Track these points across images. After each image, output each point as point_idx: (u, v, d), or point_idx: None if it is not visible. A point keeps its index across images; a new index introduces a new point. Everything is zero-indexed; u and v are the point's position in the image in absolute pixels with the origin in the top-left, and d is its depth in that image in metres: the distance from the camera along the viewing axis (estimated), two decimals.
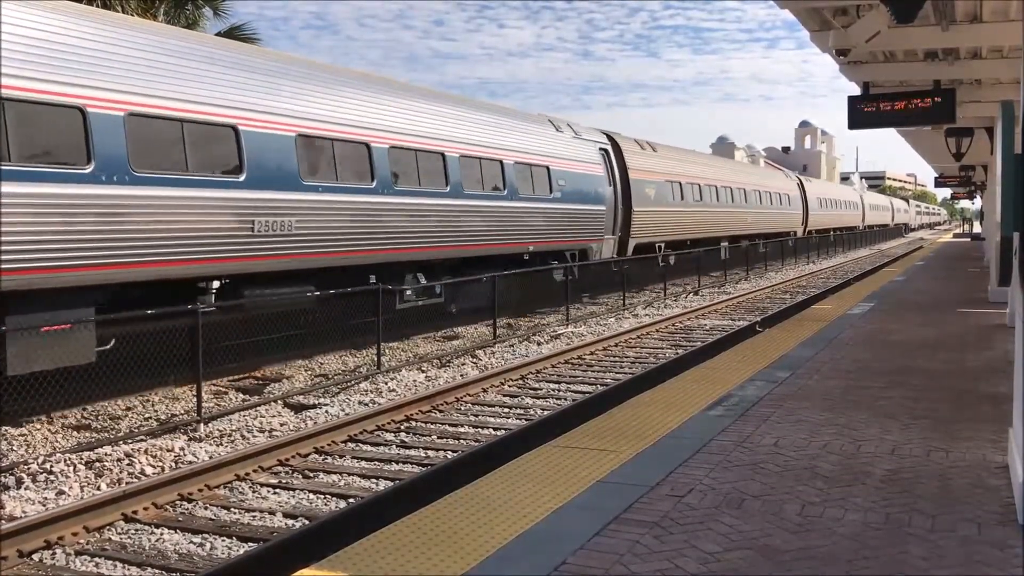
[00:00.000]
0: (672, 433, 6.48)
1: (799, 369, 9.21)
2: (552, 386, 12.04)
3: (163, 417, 10.08)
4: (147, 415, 10.20)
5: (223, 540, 6.44)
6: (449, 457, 8.46)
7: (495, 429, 9.62)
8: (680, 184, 27.45)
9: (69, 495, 7.30)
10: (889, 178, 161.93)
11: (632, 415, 7.11)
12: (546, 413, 10.17)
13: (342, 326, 13.17)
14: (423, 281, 15.35)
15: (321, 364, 13.45)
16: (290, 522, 6.83)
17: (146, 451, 8.35)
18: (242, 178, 11.36)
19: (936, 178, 43.10)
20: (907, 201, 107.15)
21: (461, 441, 9.21)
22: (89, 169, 9.49)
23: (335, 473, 8.09)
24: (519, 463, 5.76)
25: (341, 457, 8.68)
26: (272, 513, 7.00)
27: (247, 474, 7.91)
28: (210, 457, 8.34)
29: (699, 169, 30.31)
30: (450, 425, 9.86)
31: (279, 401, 10.94)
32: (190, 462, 8.18)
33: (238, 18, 59.01)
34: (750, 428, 6.63)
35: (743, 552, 4.20)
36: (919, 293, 18.65)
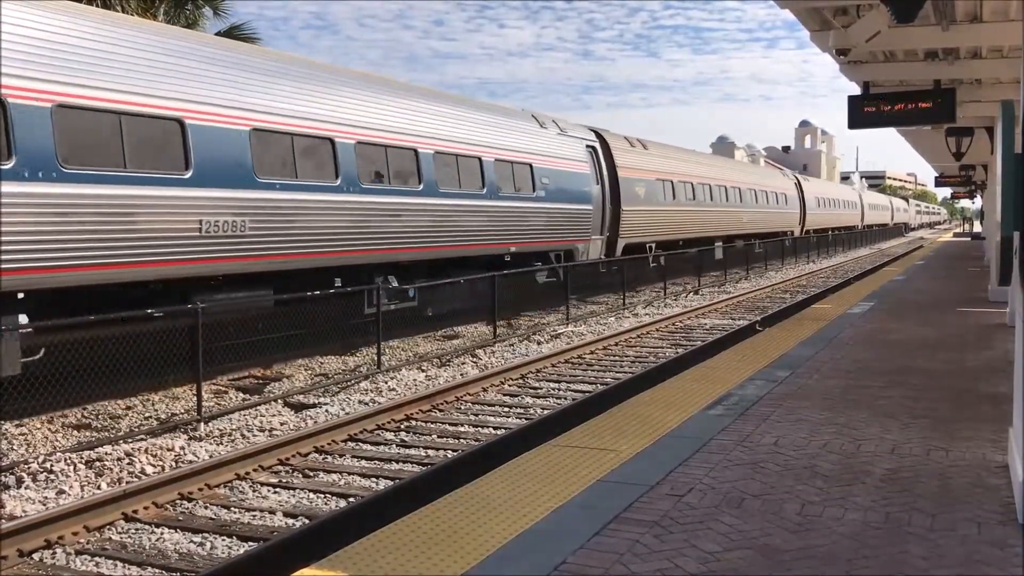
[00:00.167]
0: (672, 432, 6.49)
1: (799, 368, 9.21)
2: (552, 385, 12.04)
3: (163, 416, 10.08)
4: (147, 414, 10.20)
5: (223, 539, 6.44)
6: (449, 456, 8.46)
7: (495, 428, 9.62)
8: (672, 183, 26.91)
9: (69, 494, 7.30)
10: (889, 178, 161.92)
11: (632, 414, 7.11)
12: (546, 412, 10.17)
13: (313, 332, 12.63)
14: (395, 284, 14.75)
15: (321, 363, 13.45)
16: (290, 521, 6.83)
17: (146, 450, 8.36)
18: (188, 175, 10.69)
19: (936, 178, 43.07)
20: (907, 200, 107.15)
21: (461, 440, 9.21)
22: (10, 165, 8.83)
23: (335, 472, 8.09)
24: (519, 462, 5.76)
25: (341, 456, 8.69)
26: (272, 512, 7.00)
27: (247, 473, 7.92)
28: (210, 456, 8.34)
29: (692, 167, 29.74)
30: (450, 424, 9.87)
31: (279, 400, 10.94)
32: (190, 461, 8.18)
33: (238, 18, 59.11)
34: (750, 427, 6.63)
35: (743, 551, 4.21)
36: (919, 292, 18.65)
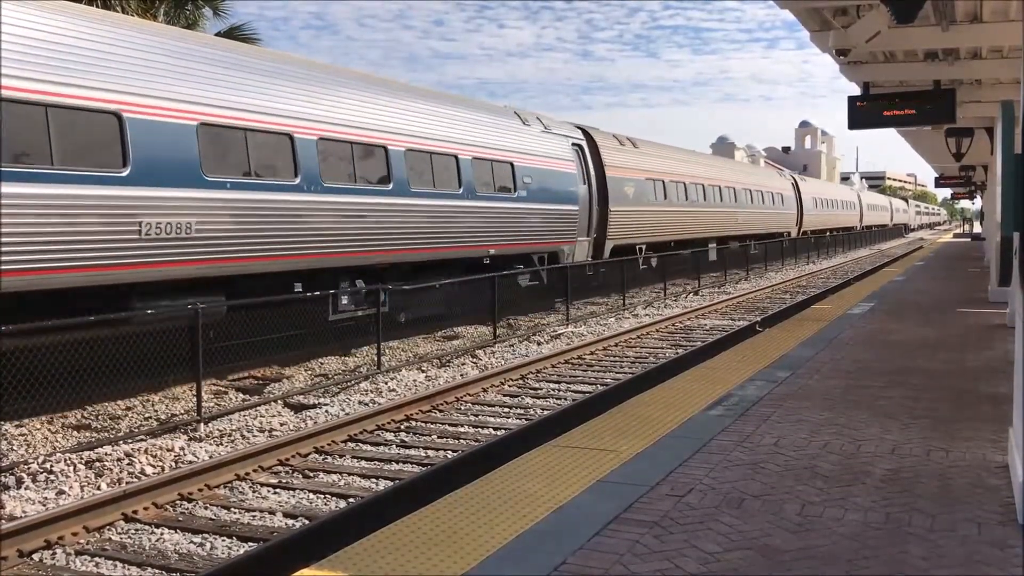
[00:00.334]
0: (672, 433, 6.49)
1: (799, 369, 9.21)
2: (552, 386, 12.04)
3: (163, 417, 10.08)
4: (147, 415, 10.20)
5: (223, 540, 6.44)
6: (449, 457, 8.46)
7: (495, 429, 9.62)
8: (663, 182, 26.25)
9: (69, 495, 7.30)
10: (889, 178, 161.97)
11: (632, 415, 7.11)
12: (546, 413, 10.17)
13: (272, 340, 11.86)
14: (363, 287, 13.87)
15: (321, 364, 13.45)
16: (290, 522, 6.83)
17: (146, 451, 8.36)
18: (125, 172, 9.90)
19: (936, 178, 43.06)
20: (906, 201, 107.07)
21: (461, 441, 9.21)
22: None
23: (335, 473, 8.09)
24: (519, 463, 5.76)
25: (341, 457, 8.69)
26: (272, 513, 7.00)
27: (247, 474, 7.92)
28: (210, 457, 8.34)
29: (685, 167, 29.01)
30: (450, 425, 9.87)
31: (279, 401, 10.94)
32: (190, 462, 8.18)
33: (238, 18, 59.18)
34: (750, 428, 6.63)
35: (743, 552, 4.20)
36: (919, 293, 18.65)
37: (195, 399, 9.91)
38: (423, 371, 12.92)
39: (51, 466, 7.81)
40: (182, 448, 8.58)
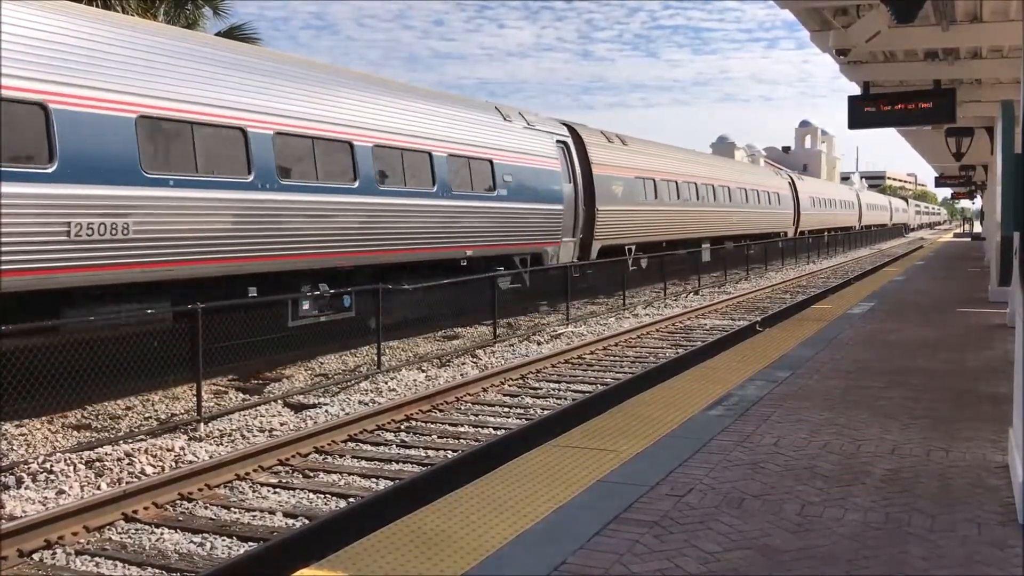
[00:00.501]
0: (672, 432, 6.49)
1: (799, 369, 9.21)
2: (552, 386, 12.04)
3: (163, 417, 10.08)
4: (147, 415, 10.20)
5: (223, 540, 6.44)
6: (449, 457, 8.46)
7: (495, 429, 9.62)
8: (654, 181, 25.36)
9: (69, 495, 7.30)
10: (889, 178, 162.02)
11: (632, 414, 7.11)
12: (546, 413, 10.17)
13: (225, 348, 11.09)
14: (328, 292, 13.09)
15: (321, 364, 13.45)
16: (290, 522, 6.83)
17: (146, 451, 8.36)
18: (52, 169, 9.17)
19: (936, 178, 43.06)
20: (906, 201, 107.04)
21: (461, 441, 9.21)
22: None
23: (335, 473, 8.09)
24: (519, 463, 5.76)
25: (341, 457, 8.69)
26: (272, 513, 7.00)
27: (247, 474, 7.92)
28: (210, 457, 8.34)
29: (677, 165, 28.07)
30: (450, 425, 9.87)
31: (279, 401, 10.94)
32: (190, 462, 8.18)
33: (238, 18, 59.10)
34: (750, 428, 6.63)
35: (743, 552, 4.21)
36: (919, 293, 18.66)
37: (195, 399, 9.91)
38: (423, 371, 12.93)
39: (51, 466, 7.81)
40: (182, 448, 8.58)
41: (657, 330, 17.58)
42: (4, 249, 8.68)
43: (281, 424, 9.76)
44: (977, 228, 69.43)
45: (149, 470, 7.97)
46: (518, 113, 19.39)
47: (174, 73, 10.70)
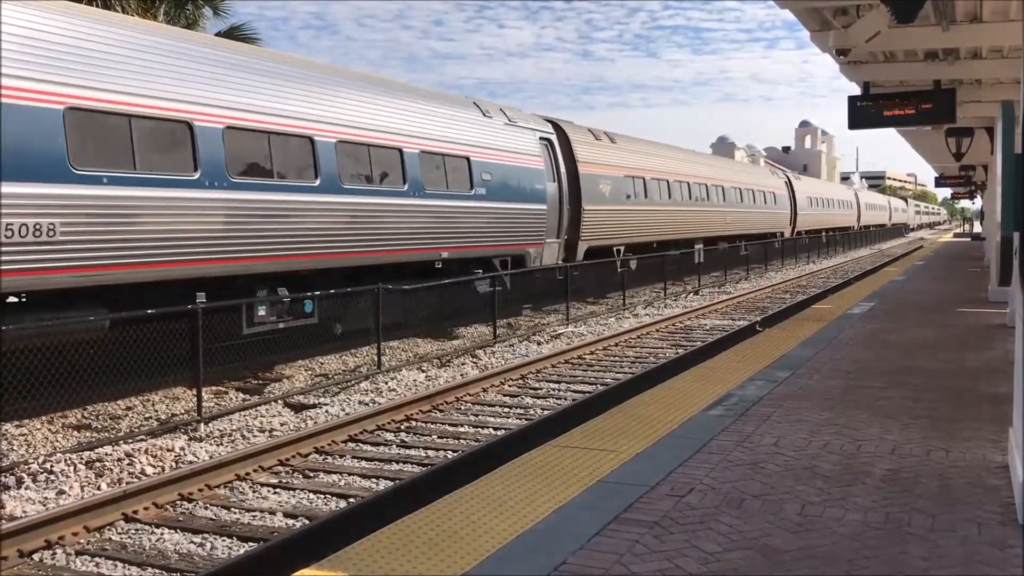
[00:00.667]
0: (672, 433, 6.49)
1: (799, 369, 9.21)
2: (552, 386, 12.05)
3: (163, 417, 10.08)
4: (147, 415, 10.21)
5: (223, 540, 6.44)
6: (449, 457, 8.47)
7: (495, 429, 9.62)
8: (644, 180, 24.60)
9: (69, 495, 7.30)
10: (889, 178, 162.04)
11: (632, 414, 7.11)
12: (546, 413, 10.17)
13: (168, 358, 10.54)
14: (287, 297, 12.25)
15: (321, 364, 13.45)
16: (290, 522, 6.84)
17: (146, 451, 8.36)
18: None
19: (936, 178, 43.06)
20: (905, 200, 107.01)
21: (461, 441, 9.21)
22: None
23: (335, 473, 8.09)
24: (519, 463, 5.76)
25: (341, 457, 8.69)
26: (272, 513, 7.00)
27: (247, 474, 7.92)
28: (210, 457, 8.35)
29: (668, 163, 27.25)
30: (450, 425, 9.87)
31: (279, 401, 10.95)
32: (190, 462, 8.18)
33: (238, 18, 59.16)
34: (750, 428, 6.63)
35: (743, 552, 4.21)
36: (919, 293, 18.66)
37: (195, 399, 9.92)
38: (423, 371, 12.93)
39: (51, 466, 7.81)
40: (182, 448, 8.58)
41: (657, 330, 17.59)
42: None
43: (281, 424, 9.76)
44: (977, 228, 69.43)
45: (149, 470, 7.97)
46: (499, 109, 18.65)
47: (110, 62, 9.93)
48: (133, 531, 6.67)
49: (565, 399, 11.13)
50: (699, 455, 5.88)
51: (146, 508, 7.00)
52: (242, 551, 6.21)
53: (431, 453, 8.77)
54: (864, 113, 13.01)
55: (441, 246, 15.47)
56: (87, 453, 8.24)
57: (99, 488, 7.51)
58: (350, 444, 9.11)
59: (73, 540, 6.41)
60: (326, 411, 10.38)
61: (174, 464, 8.19)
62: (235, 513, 7.04)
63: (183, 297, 10.50)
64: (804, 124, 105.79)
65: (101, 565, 6.06)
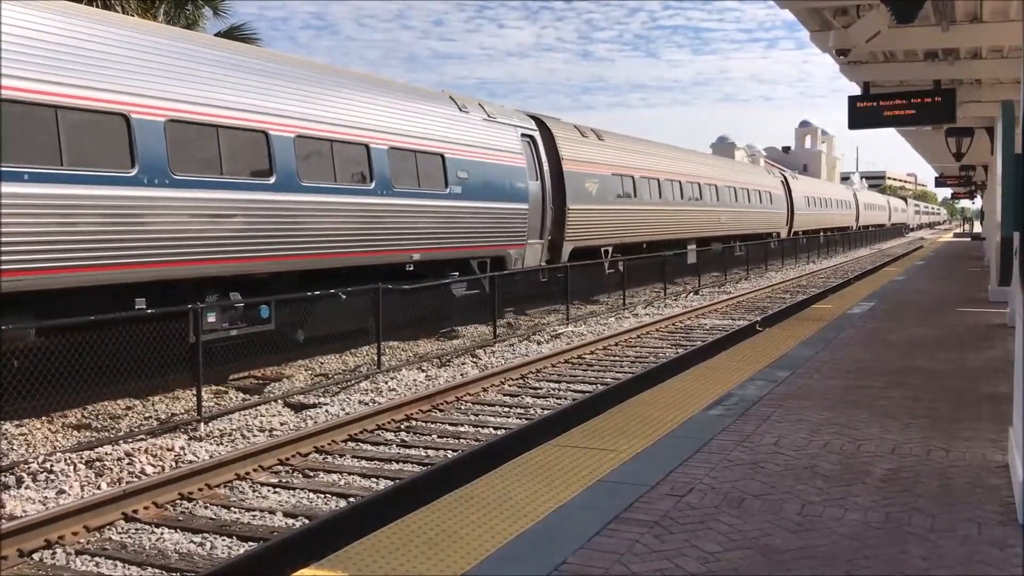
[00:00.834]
0: (672, 432, 6.49)
1: (799, 368, 9.21)
2: (552, 385, 12.05)
3: (163, 416, 10.08)
4: (147, 414, 10.21)
5: (223, 539, 6.44)
6: (449, 456, 8.47)
7: (495, 428, 9.62)
8: (633, 178, 23.79)
9: (69, 494, 7.30)
10: (889, 178, 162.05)
11: (632, 414, 7.11)
12: (546, 412, 10.17)
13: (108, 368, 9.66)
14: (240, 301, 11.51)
15: (321, 363, 13.45)
16: (290, 521, 6.84)
17: (146, 450, 8.36)
18: None
19: (936, 178, 43.08)
20: (905, 200, 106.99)
21: (461, 440, 9.21)
22: None
23: (335, 472, 8.09)
24: (519, 462, 5.76)
25: (341, 456, 8.69)
26: (272, 512, 7.00)
27: (247, 473, 7.92)
28: (210, 456, 8.35)
29: (659, 162, 26.31)
30: (450, 424, 9.87)
31: (279, 400, 10.95)
32: (190, 461, 8.18)
33: (238, 18, 59.15)
34: (750, 427, 6.63)
35: (743, 551, 4.21)
36: (919, 293, 18.66)
37: (195, 399, 9.91)
38: (423, 371, 12.93)
39: (51, 466, 7.81)
40: (182, 448, 8.58)
41: (657, 330, 17.59)
42: None
43: (281, 424, 9.76)
44: (977, 228, 69.42)
45: (149, 470, 7.97)
46: (477, 104, 17.76)
47: (32, 48, 9.10)
48: (133, 531, 6.67)
49: (565, 399, 11.13)
50: (699, 455, 5.88)
51: (146, 508, 7.00)
52: (242, 551, 6.21)
53: (431, 453, 8.77)
54: (864, 113, 13.02)
55: (412, 247, 14.75)
56: (87, 453, 8.24)
57: (99, 488, 7.51)
58: (350, 444, 9.11)
59: (73, 540, 6.41)
60: (326, 411, 10.38)
61: (174, 464, 8.19)
62: (235, 512, 7.04)
63: (121, 302, 9.90)
64: (804, 124, 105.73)
65: (101, 565, 6.05)
